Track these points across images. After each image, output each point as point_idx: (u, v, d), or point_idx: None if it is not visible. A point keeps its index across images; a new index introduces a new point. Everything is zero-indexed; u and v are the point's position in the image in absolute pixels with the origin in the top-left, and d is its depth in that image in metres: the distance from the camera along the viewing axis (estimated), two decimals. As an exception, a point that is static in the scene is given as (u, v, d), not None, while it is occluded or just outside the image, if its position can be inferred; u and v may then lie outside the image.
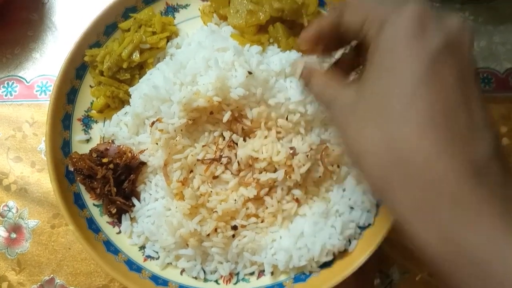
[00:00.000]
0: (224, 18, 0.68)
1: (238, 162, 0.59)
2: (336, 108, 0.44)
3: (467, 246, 0.34)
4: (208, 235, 0.58)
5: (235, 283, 0.61)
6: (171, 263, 0.62)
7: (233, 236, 0.59)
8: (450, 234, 0.34)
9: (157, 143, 0.61)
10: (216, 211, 0.58)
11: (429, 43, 0.37)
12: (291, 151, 0.59)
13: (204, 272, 0.61)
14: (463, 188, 0.34)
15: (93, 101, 0.67)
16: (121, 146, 0.63)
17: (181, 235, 0.58)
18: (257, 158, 0.58)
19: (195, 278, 0.61)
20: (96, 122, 0.67)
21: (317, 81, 0.48)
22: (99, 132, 0.66)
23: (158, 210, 0.60)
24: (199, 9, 0.71)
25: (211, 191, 0.59)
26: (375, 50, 0.40)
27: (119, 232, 0.63)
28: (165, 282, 0.60)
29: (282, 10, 0.63)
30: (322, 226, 0.59)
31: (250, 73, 0.59)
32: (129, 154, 0.62)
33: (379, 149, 0.38)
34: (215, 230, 0.59)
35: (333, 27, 0.46)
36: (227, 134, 0.61)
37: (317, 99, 0.50)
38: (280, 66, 0.61)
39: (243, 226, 0.59)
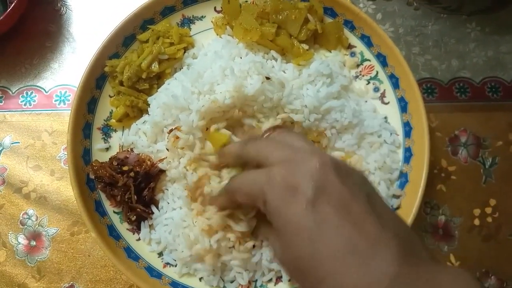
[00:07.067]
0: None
1: None
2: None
3: None
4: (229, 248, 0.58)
5: (254, 290, 0.61)
6: (188, 272, 0.62)
7: (254, 246, 0.59)
8: None
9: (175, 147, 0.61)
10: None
11: (302, 197, 0.40)
12: None
13: (223, 280, 0.61)
14: None
15: (112, 110, 0.68)
16: (140, 154, 0.64)
17: (197, 251, 0.58)
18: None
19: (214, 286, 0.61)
20: (115, 131, 0.68)
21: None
22: (118, 140, 0.67)
23: (175, 220, 0.60)
24: (211, 21, 0.72)
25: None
26: (272, 219, 0.43)
27: (139, 239, 0.64)
28: (185, 288, 0.61)
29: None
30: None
31: (268, 78, 0.60)
32: (148, 162, 0.63)
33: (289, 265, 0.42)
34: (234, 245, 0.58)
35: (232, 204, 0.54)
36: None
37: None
38: (294, 73, 0.63)
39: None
